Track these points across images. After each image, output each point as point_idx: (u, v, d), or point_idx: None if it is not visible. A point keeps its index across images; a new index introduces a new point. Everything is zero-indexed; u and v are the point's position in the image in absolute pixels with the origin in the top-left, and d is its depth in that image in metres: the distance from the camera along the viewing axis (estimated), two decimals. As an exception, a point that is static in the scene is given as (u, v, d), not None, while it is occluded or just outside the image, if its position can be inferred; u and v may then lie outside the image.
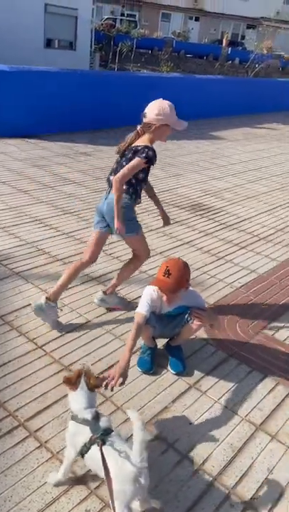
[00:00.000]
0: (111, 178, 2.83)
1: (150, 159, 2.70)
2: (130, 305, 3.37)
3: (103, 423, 1.81)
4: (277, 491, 2.08)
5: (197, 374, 2.77)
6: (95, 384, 1.91)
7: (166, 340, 2.91)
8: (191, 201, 6.03)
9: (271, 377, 2.80)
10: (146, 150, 2.69)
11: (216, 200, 6.19)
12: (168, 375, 2.74)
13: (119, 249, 4.26)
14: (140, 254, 3.18)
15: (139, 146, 2.74)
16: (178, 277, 2.45)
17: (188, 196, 6.22)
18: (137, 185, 2.86)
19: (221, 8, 33.46)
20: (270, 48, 20.46)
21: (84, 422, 1.81)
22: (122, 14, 33.09)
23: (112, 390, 2.14)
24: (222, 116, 13.15)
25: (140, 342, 2.86)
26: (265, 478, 2.13)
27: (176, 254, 4.30)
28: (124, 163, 2.74)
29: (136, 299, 3.43)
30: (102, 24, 25.57)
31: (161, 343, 2.93)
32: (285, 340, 3.23)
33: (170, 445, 2.24)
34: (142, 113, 2.77)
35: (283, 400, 2.63)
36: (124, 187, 2.74)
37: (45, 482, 1.97)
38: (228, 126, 12.24)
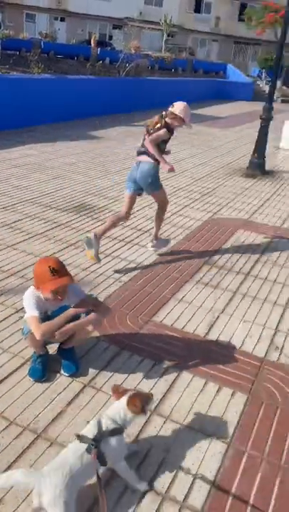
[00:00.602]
0: (142, 149, 4.20)
1: (170, 129, 4.09)
2: (170, 243, 4.80)
3: None
4: (174, 468, 2.19)
5: (92, 372, 2.80)
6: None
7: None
8: (74, 202, 6.01)
9: (162, 362, 2.94)
10: (167, 125, 4.07)
11: (100, 200, 6.26)
12: (62, 378, 2.72)
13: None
14: (164, 204, 4.58)
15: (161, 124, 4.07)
16: (68, 273, 2.50)
17: (71, 198, 6.20)
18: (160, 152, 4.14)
19: (84, 8, 33.69)
20: (138, 48, 21.14)
21: None
22: (-16, 15, 31.61)
23: None
24: (98, 115, 13.30)
25: (31, 351, 2.80)
26: (163, 459, 2.23)
27: (63, 257, 4.26)
28: (152, 132, 4.09)
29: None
30: None
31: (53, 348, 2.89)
32: (172, 324, 3.40)
33: (69, 448, 2.23)
34: (172, 104, 4.13)
35: (174, 381, 2.78)
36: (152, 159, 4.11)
37: None
38: (105, 125, 12.41)
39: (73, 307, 2.62)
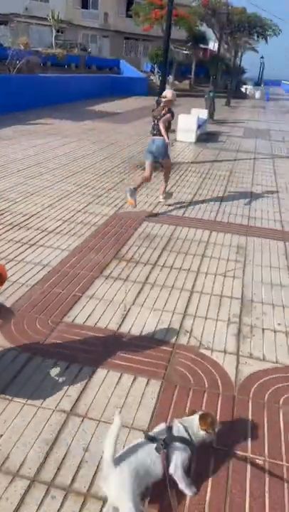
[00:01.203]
0: (154, 131, 5.97)
1: (173, 113, 5.97)
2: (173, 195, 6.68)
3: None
4: (94, 466, 2.18)
5: (2, 383, 2.67)
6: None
7: None
8: (-29, 208, 5.68)
9: (75, 362, 2.90)
10: (171, 111, 5.93)
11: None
12: None
13: None
14: (169, 169, 6.51)
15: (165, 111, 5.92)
16: None
17: None
18: (167, 130, 5.92)
19: None
20: (27, 44, 20.47)
21: None
22: None
23: None
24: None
25: None
26: (82, 458, 2.21)
27: None
28: (160, 118, 5.85)
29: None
30: None
31: None
32: (84, 322, 3.37)
33: (-18, 466, 2.12)
34: (163, 95, 6.08)
35: (89, 379, 2.76)
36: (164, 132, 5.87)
37: None
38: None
39: None
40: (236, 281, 4.26)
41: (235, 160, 10.34)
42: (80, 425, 2.40)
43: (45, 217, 5.56)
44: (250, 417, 2.55)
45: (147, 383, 2.74)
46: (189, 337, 3.27)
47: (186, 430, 2.05)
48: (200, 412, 2.13)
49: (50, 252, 4.59)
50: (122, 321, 3.42)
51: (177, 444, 2.00)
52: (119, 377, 2.78)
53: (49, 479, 2.08)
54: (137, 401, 2.60)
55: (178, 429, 2.05)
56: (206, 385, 2.76)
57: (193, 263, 4.58)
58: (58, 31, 28.39)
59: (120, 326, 3.36)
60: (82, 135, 11.69)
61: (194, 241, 5.18)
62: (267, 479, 2.18)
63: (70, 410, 2.49)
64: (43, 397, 2.57)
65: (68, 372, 2.80)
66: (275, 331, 3.45)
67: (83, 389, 2.67)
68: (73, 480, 2.09)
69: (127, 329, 3.32)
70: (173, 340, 3.22)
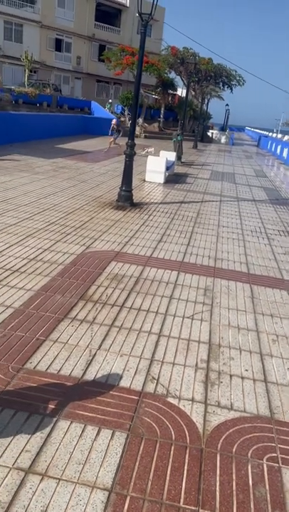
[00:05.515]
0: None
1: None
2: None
3: None
4: (54, 530, 2.02)
5: None
6: None
7: None
8: None
9: (36, 413, 2.74)
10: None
11: None
12: None
13: None
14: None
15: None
16: None
17: None
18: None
19: None
20: (0, 82, 20.75)
21: None
22: None
23: None
24: None
25: None
26: (41, 523, 2.04)
27: None
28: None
29: None
30: None
31: None
32: (47, 369, 3.23)
33: None
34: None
35: (50, 431, 2.60)
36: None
37: None
38: None
39: None
40: (204, 324, 4.24)
41: (202, 201, 10.59)
42: (39, 485, 2.23)
43: (10, 256, 5.42)
44: (218, 471, 2.45)
45: (112, 436, 2.61)
46: (156, 384, 3.18)
47: None
48: None
49: (14, 292, 4.45)
50: (87, 367, 3.30)
51: None
52: (83, 430, 2.64)
53: None
54: (101, 456, 2.46)
55: None
56: (173, 437, 2.66)
57: (161, 305, 4.54)
58: (31, 71, 28.97)
59: (85, 372, 3.23)
60: (52, 172, 11.72)
61: (162, 282, 5.16)
62: None
63: (29, 468, 2.32)
64: (-1, 453, 2.40)
65: (28, 424, 2.64)
66: (242, 377, 3.41)
67: (43, 443, 2.50)
68: None
69: (91, 376, 3.19)
70: (139, 388, 3.11)
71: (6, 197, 8.39)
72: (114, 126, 17.39)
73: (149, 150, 18.09)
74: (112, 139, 17.58)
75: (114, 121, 17.79)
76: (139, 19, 8.23)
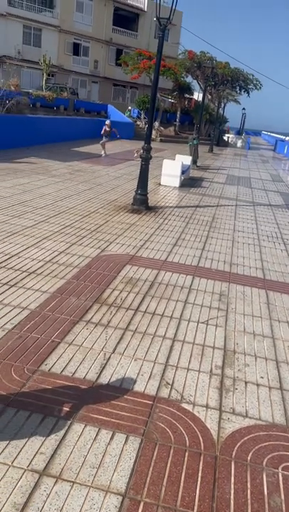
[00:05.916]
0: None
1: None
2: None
3: None
4: (67, 533, 2.02)
5: (-29, 438, 2.51)
6: None
7: None
8: None
9: (51, 415, 2.76)
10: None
11: (-21, 241, 5.88)
12: None
13: None
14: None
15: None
16: None
17: None
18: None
19: None
20: (18, 86, 21.03)
21: None
22: None
23: None
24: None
25: None
26: (54, 526, 2.05)
27: None
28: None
29: None
30: None
31: None
32: (62, 371, 3.24)
33: None
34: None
35: (65, 434, 2.61)
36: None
37: None
38: (-15, 162, 11.93)
39: None
40: (218, 329, 4.21)
41: (217, 206, 10.55)
42: (53, 488, 2.24)
43: (26, 258, 5.47)
44: (232, 479, 2.43)
45: (126, 440, 2.61)
46: (170, 390, 3.17)
47: None
48: None
49: (31, 293, 4.49)
50: (101, 370, 3.30)
51: None
52: (97, 433, 2.64)
53: None
54: (115, 460, 2.46)
55: None
56: (188, 444, 2.64)
57: (175, 309, 4.53)
58: (48, 75, 29.29)
59: (99, 376, 3.23)
60: (68, 175, 11.81)
61: (177, 286, 5.15)
62: None
63: (43, 470, 2.33)
64: (14, 455, 2.41)
65: (43, 426, 2.65)
66: (257, 385, 3.38)
67: (58, 446, 2.51)
68: None
69: (106, 380, 3.20)
70: (154, 393, 3.11)
71: (23, 199, 8.48)
72: (107, 129, 16.35)
73: (139, 153, 18.03)
74: (103, 143, 16.56)
75: (107, 121, 16.76)
76: (157, 23, 8.26)
